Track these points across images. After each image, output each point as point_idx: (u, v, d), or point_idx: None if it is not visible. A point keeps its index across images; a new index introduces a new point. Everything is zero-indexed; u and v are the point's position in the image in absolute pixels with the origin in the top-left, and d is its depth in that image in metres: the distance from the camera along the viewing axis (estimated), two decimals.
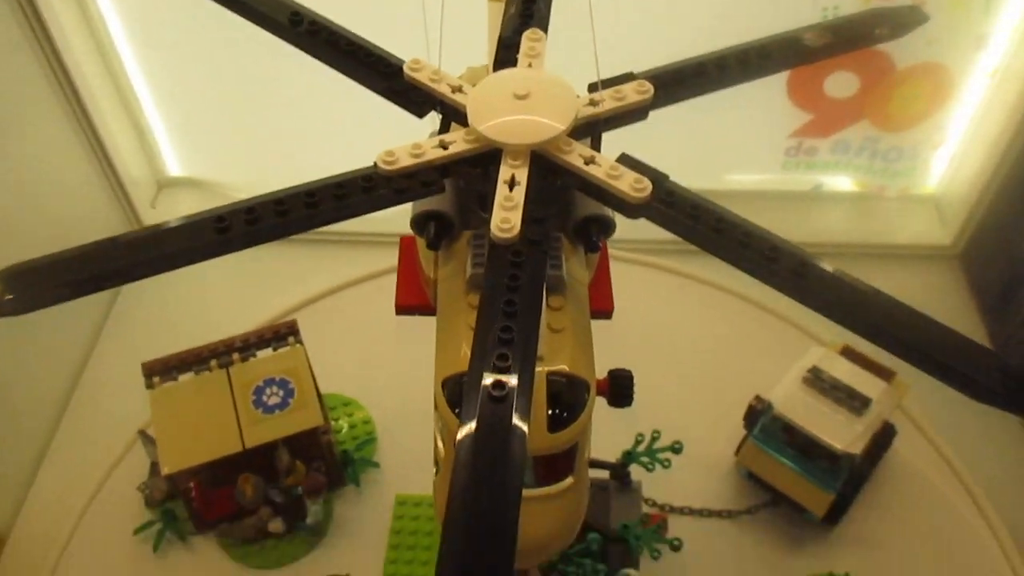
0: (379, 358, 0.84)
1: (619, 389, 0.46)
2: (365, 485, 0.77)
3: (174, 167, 1.09)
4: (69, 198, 0.95)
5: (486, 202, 0.39)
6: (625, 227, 0.91)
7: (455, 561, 0.29)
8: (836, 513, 0.71)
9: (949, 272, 1.02)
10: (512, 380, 0.33)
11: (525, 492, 0.41)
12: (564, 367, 0.41)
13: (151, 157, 1.06)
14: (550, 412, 0.41)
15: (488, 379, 0.33)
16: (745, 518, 0.74)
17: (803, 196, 1.07)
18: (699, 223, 0.39)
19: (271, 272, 0.97)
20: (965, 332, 0.37)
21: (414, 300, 0.50)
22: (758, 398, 0.75)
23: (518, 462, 0.32)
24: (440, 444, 0.42)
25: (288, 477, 0.73)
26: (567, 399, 0.41)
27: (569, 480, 0.42)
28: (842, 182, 1.06)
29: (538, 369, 0.41)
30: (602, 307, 0.50)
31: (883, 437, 0.75)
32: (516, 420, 0.32)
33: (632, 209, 0.40)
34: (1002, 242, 0.98)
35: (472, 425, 0.32)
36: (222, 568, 0.72)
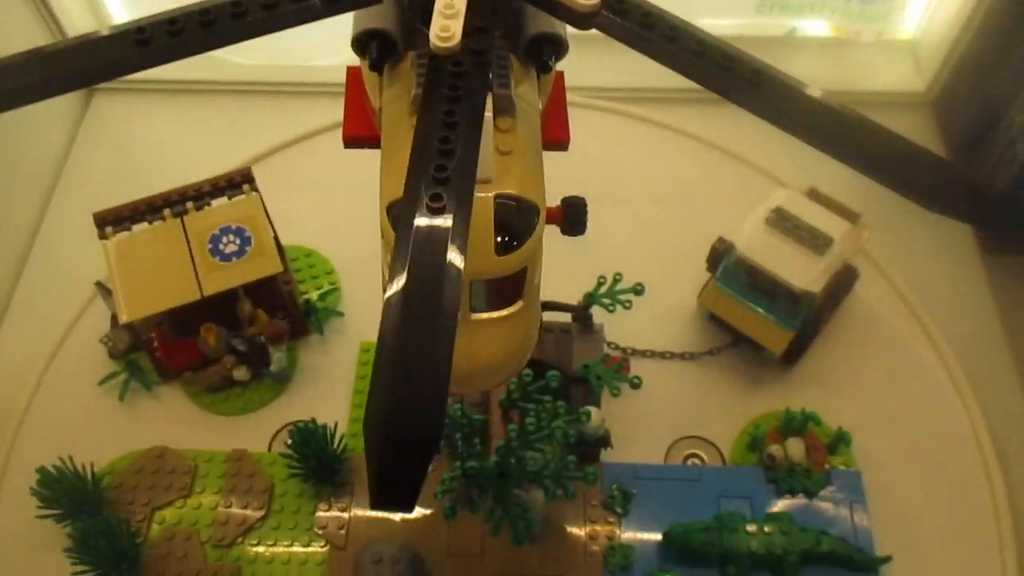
0: (341, 209, 0.82)
1: (573, 216, 0.46)
2: (330, 334, 0.77)
3: (120, 15, 1.03)
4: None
5: (430, 18, 0.37)
6: (591, 73, 0.89)
7: (387, 390, 0.29)
8: (795, 352, 0.73)
9: (923, 119, 1.00)
10: (450, 194, 0.32)
11: (476, 316, 0.42)
12: (512, 190, 0.40)
13: (96, 8, 1.00)
14: (499, 238, 0.40)
15: (426, 191, 0.32)
16: (706, 359, 0.76)
17: (778, 41, 1.03)
18: (652, 32, 0.37)
19: (229, 125, 0.94)
20: None
21: (362, 131, 0.48)
22: (721, 240, 0.74)
23: (454, 281, 0.31)
24: (387, 273, 0.41)
25: (250, 326, 0.72)
26: (516, 223, 0.41)
27: (519, 304, 0.42)
28: (817, 27, 1.03)
29: (486, 193, 0.40)
30: (557, 136, 0.48)
31: (845, 279, 0.76)
32: (453, 234, 0.31)
33: (581, 19, 0.38)
34: (976, 87, 0.95)
35: (408, 241, 0.31)
36: (189, 415, 0.73)
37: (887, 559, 0.65)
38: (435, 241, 0.31)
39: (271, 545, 0.66)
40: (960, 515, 0.69)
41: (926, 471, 0.71)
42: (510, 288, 0.41)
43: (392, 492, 0.28)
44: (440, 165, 0.33)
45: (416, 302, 0.30)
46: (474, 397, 0.65)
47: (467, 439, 0.59)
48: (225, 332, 0.72)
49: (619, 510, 0.67)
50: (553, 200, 0.46)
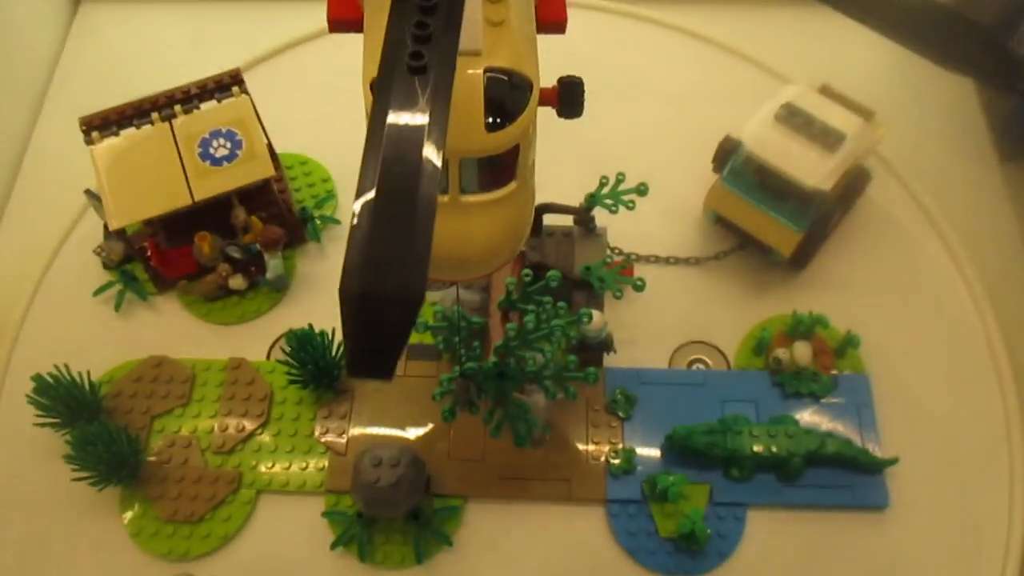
0: (336, 116, 0.78)
1: (569, 95, 0.43)
2: (327, 242, 0.75)
3: None
4: None
5: None
6: None
7: (364, 252, 0.27)
8: (804, 255, 0.71)
9: None
10: (432, 51, 0.30)
11: (467, 198, 0.40)
12: (503, 63, 0.38)
13: None
14: (490, 118, 0.38)
15: (407, 48, 0.30)
16: (712, 264, 0.74)
17: None
18: None
19: (220, 31, 0.91)
20: None
21: (346, 13, 0.45)
22: (728, 138, 0.72)
23: (435, 149, 0.29)
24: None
25: (246, 234, 0.71)
26: (508, 99, 0.38)
27: (512, 185, 0.40)
28: None
29: (476, 70, 0.38)
30: (554, 17, 0.45)
31: (857, 181, 0.73)
32: (433, 98, 0.29)
33: None
34: None
35: (386, 103, 0.29)
36: (186, 325, 0.72)
37: (894, 461, 0.64)
38: (410, 104, 0.29)
39: (272, 452, 0.66)
40: (970, 421, 0.68)
41: (937, 376, 0.70)
42: (503, 169, 0.39)
43: (369, 359, 0.27)
44: (421, 22, 0.30)
45: (389, 178, 0.28)
46: (473, 302, 0.63)
47: (466, 342, 0.57)
48: (219, 240, 0.70)
49: (622, 415, 0.66)
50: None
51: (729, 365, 0.70)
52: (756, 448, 0.63)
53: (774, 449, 0.63)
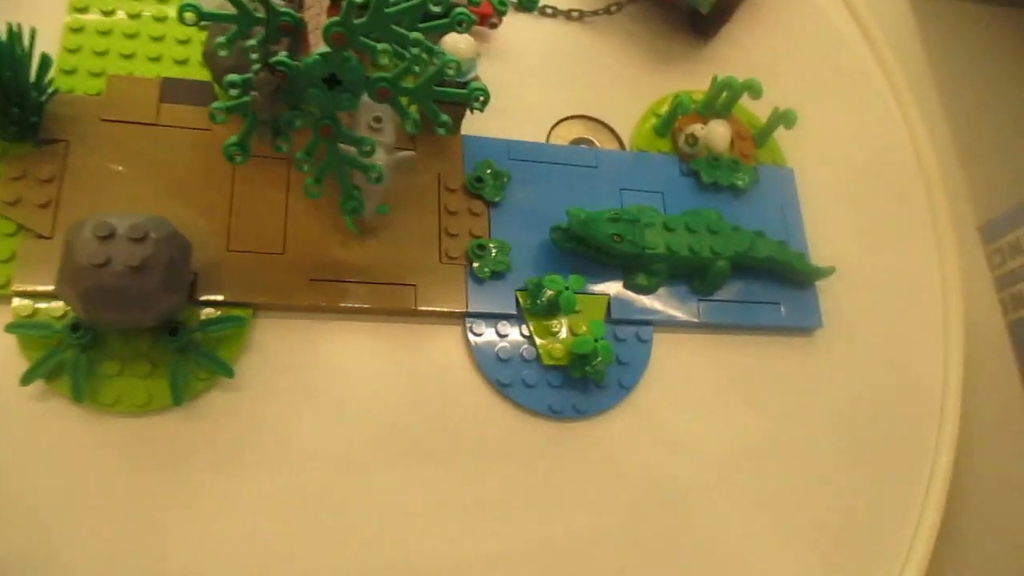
0: None
1: None
2: None
3: None
4: None
5: None
6: None
7: None
8: (716, 18, 0.54)
9: None
10: None
11: None
12: None
13: None
14: None
15: None
16: (602, 20, 0.55)
17: None
18: None
19: None
20: None
21: None
22: None
23: None
24: None
25: None
26: None
27: None
28: None
29: None
30: None
31: None
32: None
33: None
34: None
35: None
36: None
37: (830, 270, 0.50)
38: None
39: None
40: (900, 227, 0.56)
41: (858, 173, 0.57)
42: None
43: None
44: None
45: None
46: None
47: (271, 39, 0.35)
48: None
49: (489, 198, 0.46)
50: None
51: (623, 147, 0.52)
52: (672, 246, 0.46)
53: (695, 248, 0.46)
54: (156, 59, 0.45)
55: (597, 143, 0.52)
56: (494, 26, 0.51)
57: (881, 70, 0.61)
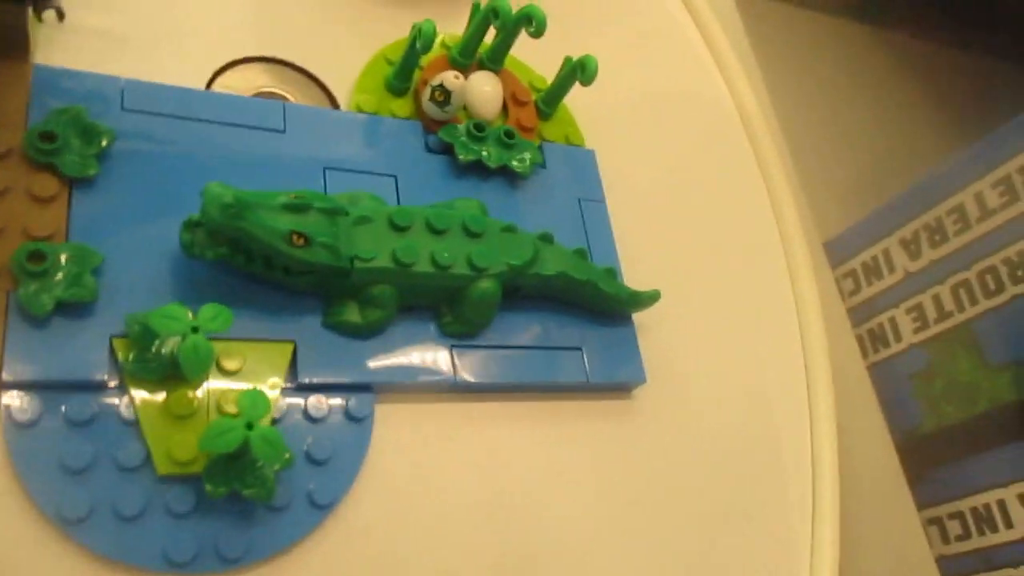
0: None
1: None
2: None
3: None
4: None
5: None
6: None
7: None
8: None
9: None
10: None
11: None
12: None
13: None
14: None
15: None
16: None
17: None
18: None
19: None
20: None
21: None
22: None
23: None
24: None
25: None
26: None
27: None
28: None
29: None
30: None
31: None
32: None
33: None
34: None
35: None
36: None
37: (655, 295, 0.33)
38: None
39: None
40: (738, 229, 0.40)
41: (668, 154, 0.41)
42: None
43: None
44: None
45: None
46: None
47: None
48: None
49: (69, 172, 0.26)
50: None
51: (337, 106, 0.33)
52: (403, 255, 0.27)
53: (443, 259, 0.28)
54: None
55: (291, 98, 0.32)
56: None
57: (707, 48, 0.46)
